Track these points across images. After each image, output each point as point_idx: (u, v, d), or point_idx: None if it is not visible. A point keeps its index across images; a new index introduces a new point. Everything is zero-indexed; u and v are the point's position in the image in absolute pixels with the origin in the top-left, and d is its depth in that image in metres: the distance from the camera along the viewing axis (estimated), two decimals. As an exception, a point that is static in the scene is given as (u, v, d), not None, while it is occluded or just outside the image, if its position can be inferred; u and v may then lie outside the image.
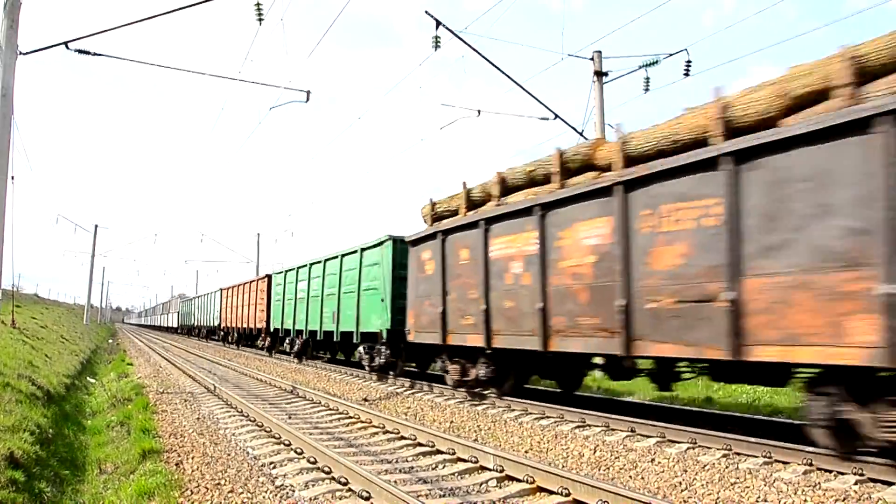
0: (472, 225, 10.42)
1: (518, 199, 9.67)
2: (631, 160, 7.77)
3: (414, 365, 14.53)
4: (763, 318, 5.98)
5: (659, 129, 7.55)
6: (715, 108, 6.69)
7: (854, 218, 5.30)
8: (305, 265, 19.84)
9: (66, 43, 11.00)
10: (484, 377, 10.53)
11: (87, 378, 15.80)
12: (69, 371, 15.20)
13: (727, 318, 6.23)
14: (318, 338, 18.79)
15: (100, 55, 11.57)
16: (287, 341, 22.35)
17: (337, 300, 16.84)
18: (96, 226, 50.64)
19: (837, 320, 5.34)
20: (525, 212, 9.19)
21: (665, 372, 8.30)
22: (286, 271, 22.34)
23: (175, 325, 53.96)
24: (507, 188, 10.09)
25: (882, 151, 5.05)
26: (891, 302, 4.95)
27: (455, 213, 11.38)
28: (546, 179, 9.28)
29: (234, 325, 30.46)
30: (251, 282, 27.66)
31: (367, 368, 15.22)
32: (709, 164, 6.50)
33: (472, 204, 11.00)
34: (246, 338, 29.88)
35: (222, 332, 34.19)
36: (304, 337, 20.27)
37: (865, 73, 5.64)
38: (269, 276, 24.77)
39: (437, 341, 11.44)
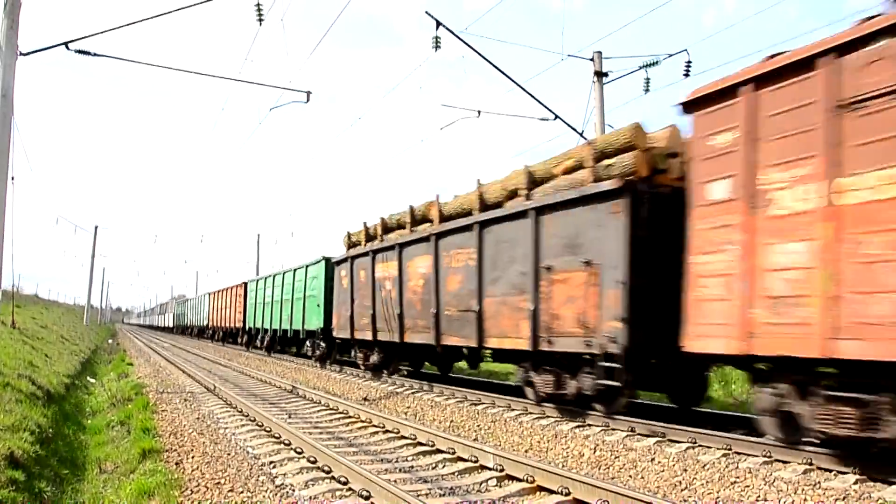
0: (366, 254, 14.73)
1: (391, 237, 13.90)
2: (444, 218, 11.87)
3: (349, 356, 17.60)
4: (491, 322, 10.15)
5: (457, 200, 11.68)
6: (477, 193, 10.91)
7: (522, 265, 9.36)
8: (271, 276, 24.32)
9: (66, 43, 11.00)
10: (377, 362, 14.64)
11: (87, 378, 15.80)
12: (69, 371, 15.20)
13: (476, 322, 10.38)
14: (278, 335, 23.32)
15: (100, 55, 11.57)
16: (258, 338, 26.53)
17: (291, 305, 21.18)
18: (96, 226, 50.63)
19: (517, 323, 9.44)
20: (391, 248, 13.48)
21: (453, 355, 13.41)
22: (258, 280, 27.00)
23: (171, 325, 58.37)
24: (386, 228, 14.41)
25: (532, 228, 9.10)
26: (533, 313, 9.01)
27: (359, 243, 15.58)
28: (404, 226, 13.59)
29: (218, 324, 34.91)
30: (232, 287, 31.67)
31: (312, 359, 19.25)
32: (469, 228, 10.72)
33: (369, 237, 15.22)
34: (227, 335, 33.75)
35: (210, 331, 38.34)
36: (269, 334, 24.48)
37: (535, 181, 9.67)
38: (245, 284, 29.02)
39: (348, 336, 15.84)
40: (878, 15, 5.44)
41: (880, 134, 5.25)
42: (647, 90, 14.68)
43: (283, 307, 22.11)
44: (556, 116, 14.73)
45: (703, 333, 6.61)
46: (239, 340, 30.16)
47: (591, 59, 14.90)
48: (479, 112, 15.37)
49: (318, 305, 18.29)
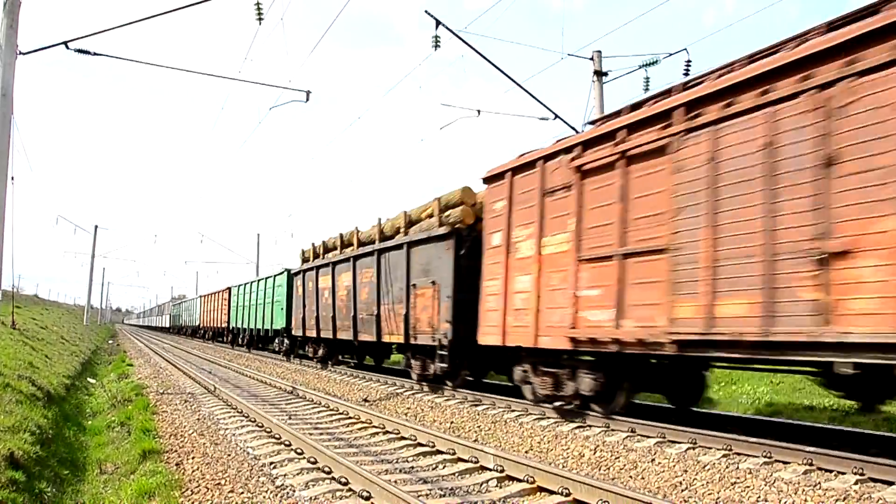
0: (311, 268, 18.79)
1: (329, 256, 17.91)
2: (360, 243, 15.72)
3: (311, 352, 20.58)
4: (384, 323, 13.68)
5: (367, 231, 15.50)
6: (378, 227, 14.77)
7: (401, 283, 12.86)
8: (249, 283, 28.74)
9: (66, 43, 10.99)
10: (323, 355, 18.68)
11: (88, 379, 15.80)
12: (69, 372, 15.20)
13: (375, 323, 14.05)
14: (255, 333, 27.27)
15: (100, 55, 11.57)
16: (240, 336, 30.22)
17: (264, 308, 25.13)
18: (96, 226, 50.57)
19: (398, 324, 12.93)
20: (327, 265, 17.43)
21: (377, 349, 16.96)
22: (239, 286, 30.54)
23: (167, 325, 62.57)
24: (326, 248, 18.60)
25: (405, 257, 12.70)
26: (405, 317, 12.54)
27: (309, 259, 19.66)
28: (337, 247, 17.52)
29: (208, 324, 38.81)
30: (219, 292, 35.70)
31: (280, 353, 23.15)
32: (372, 253, 14.51)
33: (315, 255, 19.17)
34: (216, 334, 37.68)
35: (201, 331, 42.13)
36: (248, 333, 28.36)
37: (411, 222, 13.38)
38: (229, 289, 32.62)
39: (300, 334, 19.98)
40: (571, 136, 9.10)
41: (557, 213, 8.70)
42: (646, 89, 14.68)
43: (258, 310, 26.08)
44: (556, 116, 14.73)
45: (486, 332, 10.03)
46: (224, 339, 34.29)
47: (591, 59, 14.90)
48: (478, 111, 15.36)
49: (282, 309, 22.65)
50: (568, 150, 8.54)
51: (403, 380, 13.82)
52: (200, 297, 42.84)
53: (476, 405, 10.29)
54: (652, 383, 9.03)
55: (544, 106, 14.55)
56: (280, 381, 14.76)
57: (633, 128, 7.59)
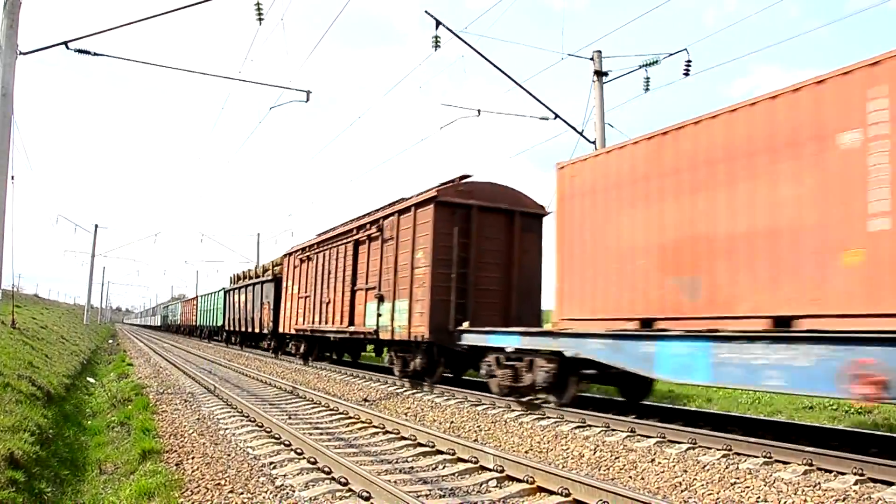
0: (231, 289, 30.42)
1: (238, 283, 30.26)
2: (245, 276, 29.61)
3: (235, 339, 30.04)
4: (255, 320, 26.42)
5: (250, 271, 29.47)
6: (253, 270, 28.92)
7: (266, 299, 25.23)
8: (207, 294, 39.90)
9: (66, 43, 10.99)
10: (236, 340, 30.27)
11: (88, 378, 15.80)
12: (69, 371, 15.20)
13: (250, 319, 27.00)
14: (210, 329, 38.39)
15: (100, 55, 11.56)
16: (202, 331, 41.89)
17: (213, 312, 36.23)
18: (96, 226, 50.68)
19: (267, 323, 24.28)
20: (235, 288, 29.99)
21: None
22: (202, 296, 42.03)
23: (159, 325, 74.71)
24: (238, 277, 30.26)
25: (262, 287, 25.89)
26: (260, 320, 25.39)
27: (231, 282, 31.06)
28: (241, 278, 30.28)
29: (185, 322, 51.29)
30: (191, 299, 50.44)
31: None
32: (249, 285, 27.78)
33: (233, 280, 31.14)
34: (191, 331, 48.78)
35: (182, 328, 53.92)
36: (207, 329, 39.53)
37: (275, 265, 25.33)
38: (196, 297, 46.00)
39: (231, 328, 30.31)
40: (297, 245, 20.89)
41: (295, 276, 21.34)
42: (646, 89, 14.68)
43: (211, 313, 37.58)
44: (556, 116, 14.73)
45: (286, 325, 21.04)
46: (193, 333, 47.19)
47: (591, 59, 14.89)
48: (479, 111, 15.36)
49: (221, 313, 34.05)
50: (292, 253, 21.27)
51: (404, 380, 13.79)
52: (181, 302, 58.03)
53: (476, 405, 10.29)
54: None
55: (545, 106, 14.56)
56: (280, 380, 14.76)
57: (303, 250, 19.89)
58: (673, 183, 7.69)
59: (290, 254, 21.01)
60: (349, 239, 15.67)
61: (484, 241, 12.17)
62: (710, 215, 7.17)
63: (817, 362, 5.70)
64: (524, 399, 9.76)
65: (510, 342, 10.00)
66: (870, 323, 5.54)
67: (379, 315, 13.52)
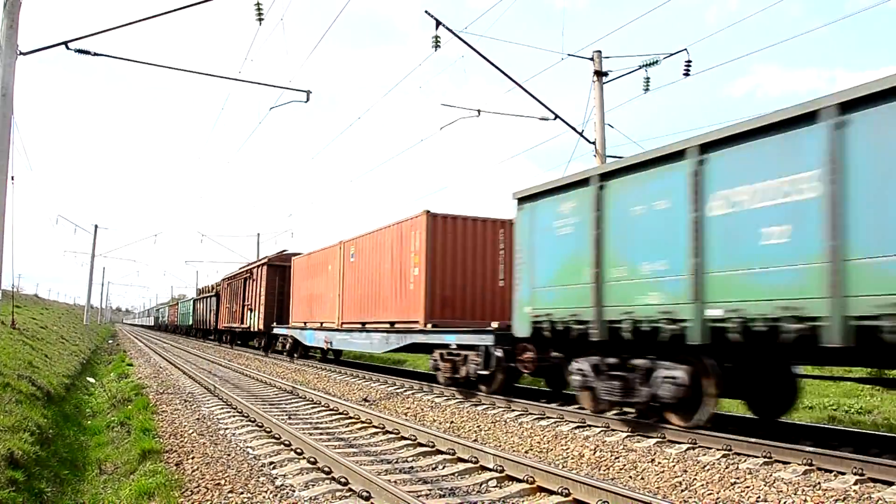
0: (199, 298, 44.61)
1: (202, 294, 46.06)
2: (228, 278, 35.06)
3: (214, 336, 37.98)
4: (221, 317, 35.52)
5: (212, 284, 42.45)
6: (218, 283, 39.23)
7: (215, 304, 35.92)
8: (185, 300, 51.88)
9: (66, 43, 10.99)
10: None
11: (87, 378, 15.80)
12: (69, 371, 15.20)
13: (216, 316, 36.46)
14: (185, 327, 49.09)
15: (100, 55, 11.56)
16: (180, 328, 53.23)
17: (189, 314, 47.47)
18: (96, 226, 50.68)
19: (242, 317, 28.60)
20: (201, 298, 43.89)
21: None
22: (182, 301, 55.13)
23: (152, 325, 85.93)
24: (200, 291, 48.35)
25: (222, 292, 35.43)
26: (241, 314, 29.35)
27: (200, 293, 48.25)
28: (206, 290, 44.83)
29: (171, 322, 63.17)
30: (175, 303, 63.39)
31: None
32: (212, 294, 39.58)
33: (199, 291, 49.25)
34: (175, 329, 59.34)
35: (169, 326, 65.15)
36: (185, 327, 49.28)
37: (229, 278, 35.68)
38: (178, 302, 59.48)
39: (201, 327, 42.09)
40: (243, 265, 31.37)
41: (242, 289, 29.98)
42: (646, 89, 14.68)
43: (187, 315, 48.58)
44: (557, 116, 14.73)
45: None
46: (177, 331, 57.94)
47: (591, 59, 14.89)
48: (479, 111, 15.36)
49: (190, 315, 45.59)
50: (222, 280, 35.39)
51: (403, 379, 13.82)
52: (168, 305, 71.18)
53: (476, 405, 10.29)
54: None
55: (545, 106, 14.56)
56: (280, 380, 14.76)
57: (226, 279, 34.06)
58: (313, 270, 20.54)
59: (223, 279, 34.92)
60: (241, 278, 29.29)
61: (282, 282, 24.55)
62: (316, 285, 20.05)
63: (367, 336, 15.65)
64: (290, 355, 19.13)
65: (308, 334, 20.28)
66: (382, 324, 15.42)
67: (250, 318, 27.12)
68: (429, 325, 12.65)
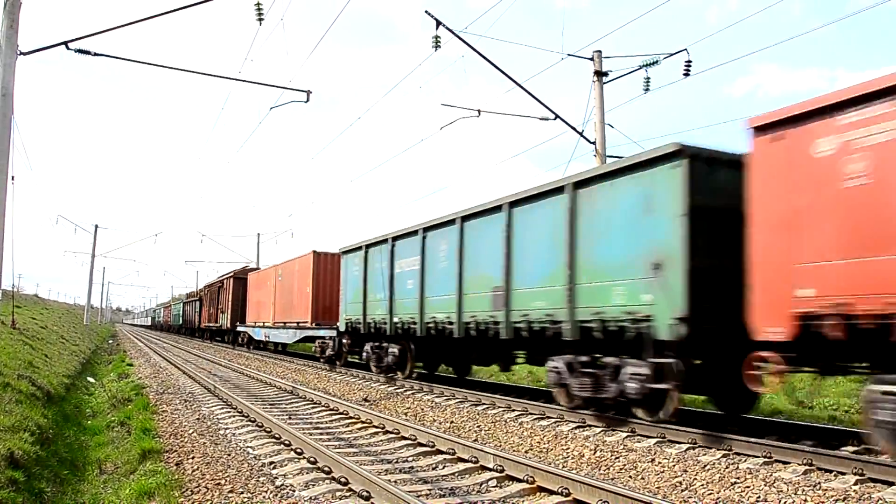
0: (189, 301, 51.09)
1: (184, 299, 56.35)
2: (209, 285, 41.74)
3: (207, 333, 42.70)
4: (203, 317, 42.06)
5: (193, 292, 54.24)
6: (201, 288, 48.40)
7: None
8: (175, 303, 60.62)
9: (66, 43, 10.98)
10: (207, 336, 41.61)
11: (88, 378, 15.80)
12: (69, 371, 15.20)
13: (199, 316, 43.49)
14: (178, 325, 55.42)
15: (100, 55, 11.55)
16: (174, 326, 58.47)
17: (178, 315, 55.03)
18: (96, 226, 50.66)
19: (218, 316, 36.08)
20: (190, 301, 50.97)
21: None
22: (173, 304, 63.11)
23: (149, 324, 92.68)
24: (188, 296, 55.54)
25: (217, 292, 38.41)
26: (216, 315, 37.08)
27: (182, 299, 59.25)
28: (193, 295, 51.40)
29: (165, 321, 68.52)
30: (168, 305, 69.38)
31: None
32: (196, 299, 46.54)
33: (188, 297, 56.70)
34: (168, 328, 66.06)
35: (163, 325, 70.71)
36: (178, 325, 53.86)
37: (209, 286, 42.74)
38: (171, 304, 66.19)
39: (199, 326, 44.58)
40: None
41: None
42: (646, 89, 14.68)
43: (179, 316, 54.03)
44: (557, 116, 14.73)
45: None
46: (171, 329, 63.56)
47: (591, 59, 14.88)
48: (479, 111, 15.36)
49: (180, 316, 52.89)
50: (202, 287, 46.40)
51: (413, 381, 13.82)
52: (163, 307, 77.48)
53: (476, 405, 10.29)
54: None
55: (545, 106, 14.56)
56: (280, 380, 14.77)
57: (205, 288, 43.04)
58: (260, 284, 27.48)
59: (205, 286, 42.67)
60: (216, 286, 36.35)
61: (244, 291, 30.50)
62: (261, 295, 26.92)
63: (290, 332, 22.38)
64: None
65: (256, 331, 26.96)
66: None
67: (222, 318, 34.00)
68: (313, 324, 19.84)
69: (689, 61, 13.86)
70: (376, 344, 14.92)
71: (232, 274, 32.92)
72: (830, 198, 5.76)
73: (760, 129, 6.36)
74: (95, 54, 11.46)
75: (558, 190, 9.01)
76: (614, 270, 7.97)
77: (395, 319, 13.66)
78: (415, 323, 12.79)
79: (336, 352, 17.72)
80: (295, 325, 21.45)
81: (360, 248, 15.74)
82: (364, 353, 15.51)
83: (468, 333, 11.05)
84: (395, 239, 13.98)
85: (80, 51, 11.15)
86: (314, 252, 20.11)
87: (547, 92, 20.59)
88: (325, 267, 19.93)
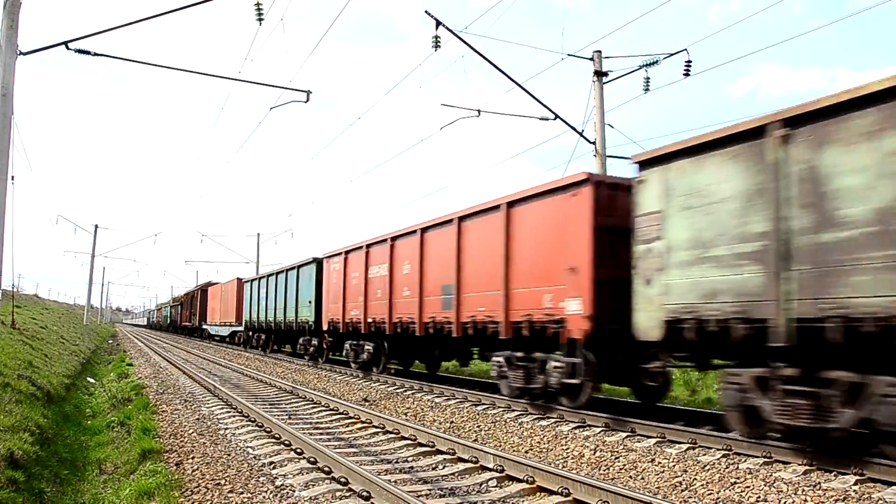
0: (180, 303, 57.58)
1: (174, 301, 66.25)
2: (201, 287, 45.80)
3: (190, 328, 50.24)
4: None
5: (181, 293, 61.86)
6: (193, 290, 50.56)
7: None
8: (165, 305, 75.30)
9: (66, 43, 10.98)
10: (207, 336, 41.71)
11: (87, 378, 15.79)
12: (69, 371, 15.20)
13: (196, 316, 47.21)
14: (167, 324, 65.81)
15: (100, 55, 11.55)
16: (165, 326, 67.80)
17: (166, 316, 68.24)
18: (96, 226, 50.62)
19: (216, 314, 39.19)
20: (176, 304, 62.51)
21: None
22: (164, 306, 75.49)
23: (146, 324, 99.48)
24: (174, 301, 66.81)
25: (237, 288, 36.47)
26: (203, 316, 43.46)
27: (169, 303, 73.02)
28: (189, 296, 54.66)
29: (158, 322, 76.62)
30: (160, 307, 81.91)
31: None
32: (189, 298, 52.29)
33: (174, 301, 68.13)
34: (160, 327, 72.12)
35: (158, 325, 76.99)
36: (167, 325, 65.06)
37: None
38: (161, 307, 79.63)
39: (182, 325, 54.62)
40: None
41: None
42: (646, 89, 14.67)
43: (167, 317, 64.52)
44: (557, 116, 14.73)
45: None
46: (164, 328, 68.59)
47: (591, 59, 14.88)
48: (479, 111, 15.35)
49: (168, 317, 64.48)
50: (185, 294, 54.62)
51: (404, 380, 13.82)
52: (156, 308, 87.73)
53: (476, 405, 10.29)
54: None
55: (545, 106, 14.55)
56: (280, 380, 14.76)
57: (187, 294, 52.53)
58: (214, 295, 38.59)
59: (185, 294, 52.64)
60: (191, 295, 47.79)
61: (208, 300, 40.30)
62: (215, 302, 38.33)
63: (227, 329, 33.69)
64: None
65: (211, 328, 38.47)
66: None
67: (193, 319, 44.79)
68: (237, 323, 30.55)
69: (689, 61, 13.87)
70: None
71: (199, 287, 45.22)
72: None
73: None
74: (95, 54, 11.46)
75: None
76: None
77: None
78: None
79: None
80: (228, 324, 33.13)
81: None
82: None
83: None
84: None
85: (80, 51, 11.15)
86: (238, 278, 32.02)
87: (547, 92, 20.60)
88: (243, 288, 29.51)
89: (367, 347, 15.30)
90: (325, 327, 17.81)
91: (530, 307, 9.26)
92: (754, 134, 6.20)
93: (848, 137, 5.50)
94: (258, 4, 11.51)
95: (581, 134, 14.63)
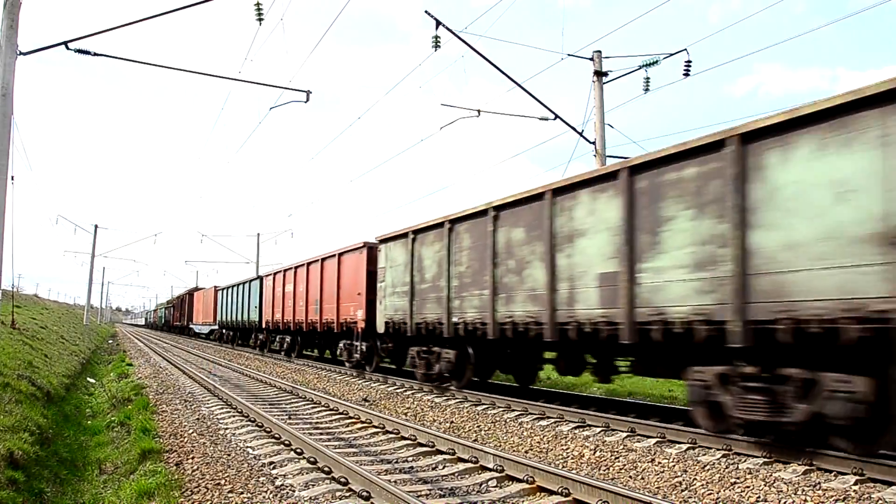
0: (171, 304, 65.10)
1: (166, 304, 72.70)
2: (192, 291, 52.24)
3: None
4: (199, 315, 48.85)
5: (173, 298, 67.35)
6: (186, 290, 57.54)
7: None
8: (158, 307, 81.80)
9: (66, 43, 10.98)
10: (194, 334, 48.02)
11: (87, 378, 15.79)
12: (69, 371, 15.20)
13: (188, 315, 51.92)
14: (161, 323, 72.92)
15: (100, 55, 11.55)
16: (158, 324, 74.81)
17: (160, 318, 75.77)
18: (96, 226, 50.55)
19: (199, 314, 43.97)
20: (167, 306, 70.43)
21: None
22: (157, 308, 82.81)
23: (144, 323, 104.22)
24: (169, 302, 71.53)
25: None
26: (190, 317, 49.68)
27: (163, 305, 78.01)
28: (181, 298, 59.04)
29: (154, 322, 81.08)
30: (156, 308, 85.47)
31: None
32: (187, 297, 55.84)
33: (168, 304, 71.95)
34: (157, 327, 76.37)
35: (155, 325, 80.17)
36: (162, 324, 70.86)
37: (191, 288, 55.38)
38: (157, 308, 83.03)
39: (172, 324, 61.58)
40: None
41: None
42: (646, 89, 14.68)
43: (161, 318, 71.89)
44: (556, 116, 14.73)
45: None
46: (160, 328, 72.00)
47: (591, 59, 14.88)
48: (478, 111, 15.35)
49: (162, 317, 70.80)
50: (175, 298, 62.91)
51: (403, 379, 13.83)
52: (153, 309, 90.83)
53: (476, 405, 10.29)
54: None
55: (545, 106, 14.55)
56: (280, 380, 14.77)
57: (177, 298, 59.74)
58: (198, 299, 44.09)
59: (176, 297, 59.34)
60: (180, 298, 54.79)
61: (193, 303, 46.64)
62: (198, 305, 44.02)
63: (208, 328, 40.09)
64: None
65: (195, 326, 43.79)
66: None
67: (183, 319, 51.03)
68: (214, 323, 36.20)
69: (689, 61, 13.87)
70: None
71: (187, 292, 50.91)
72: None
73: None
74: (95, 54, 11.47)
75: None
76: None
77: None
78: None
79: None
80: (208, 323, 38.74)
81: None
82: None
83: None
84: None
85: (80, 51, 11.15)
86: (214, 286, 37.32)
87: (547, 92, 20.63)
88: (218, 294, 35.29)
89: (286, 339, 22.94)
90: (264, 325, 25.26)
91: (345, 314, 16.48)
92: (405, 235, 13.18)
93: (425, 240, 12.58)
94: (258, 4, 11.52)
95: (581, 134, 14.63)
